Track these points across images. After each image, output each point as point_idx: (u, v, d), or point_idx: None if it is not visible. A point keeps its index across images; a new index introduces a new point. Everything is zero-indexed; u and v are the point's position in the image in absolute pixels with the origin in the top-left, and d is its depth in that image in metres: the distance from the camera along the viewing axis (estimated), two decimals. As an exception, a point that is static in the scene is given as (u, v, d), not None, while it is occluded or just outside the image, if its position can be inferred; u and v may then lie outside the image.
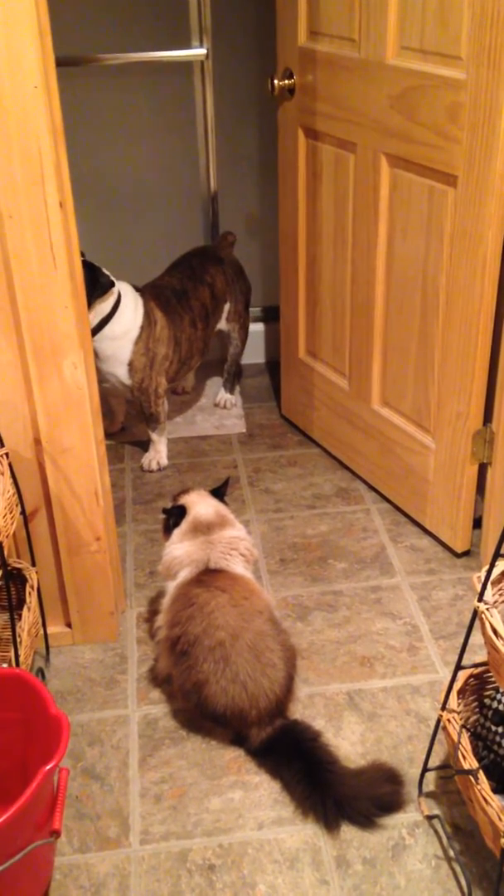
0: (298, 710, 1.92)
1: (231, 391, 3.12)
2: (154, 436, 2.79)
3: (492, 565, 1.42)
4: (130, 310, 2.61)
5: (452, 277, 2.09)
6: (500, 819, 1.41)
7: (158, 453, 2.80)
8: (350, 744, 1.84)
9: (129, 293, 2.64)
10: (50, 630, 2.09)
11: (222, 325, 2.97)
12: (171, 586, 1.94)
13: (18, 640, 1.78)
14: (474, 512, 2.31)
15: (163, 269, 2.91)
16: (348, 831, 1.66)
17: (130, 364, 2.63)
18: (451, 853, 1.62)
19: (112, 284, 2.55)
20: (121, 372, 2.64)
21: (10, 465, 1.79)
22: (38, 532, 1.99)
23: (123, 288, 2.64)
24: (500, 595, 1.56)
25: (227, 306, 2.93)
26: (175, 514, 2.01)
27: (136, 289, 2.69)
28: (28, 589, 1.92)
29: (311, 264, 2.66)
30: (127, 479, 2.77)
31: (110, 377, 2.66)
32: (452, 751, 1.55)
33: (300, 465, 2.79)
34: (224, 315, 2.95)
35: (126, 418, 3.02)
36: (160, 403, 2.74)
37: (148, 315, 2.64)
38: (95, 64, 2.87)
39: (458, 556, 2.36)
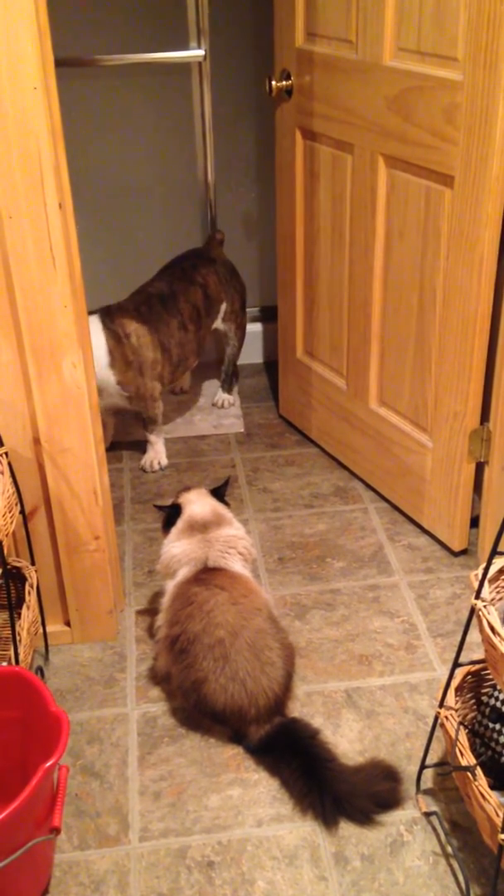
0: (297, 708, 1.93)
1: (229, 391, 3.13)
2: (152, 437, 2.80)
3: (489, 563, 1.43)
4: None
5: (449, 278, 2.10)
6: (498, 815, 1.42)
7: (158, 454, 2.81)
8: (348, 741, 1.84)
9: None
10: (49, 629, 2.09)
11: (219, 324, 2.97)
12: (171, 585, 1.94)
13: (18, 638, 1.79)
14: (471, 510, 2.32)
15: (159, 270, 2.91)
16: (346, 828, 1.67)
17: (120, 384, 2.65)
18: (449, 849, 1.63)
19: None
20: (114, 391, 2.67)
21: (9, 465, 1.80)
22: (38, 531, 1.99)
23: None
24: (498, 592, 1.57)
25: (223, 306, 2.94)
26: (168, 512, 2.02)
27: (105, 309, 2.67)
28: (27, 587, 1.93)
29: (309, 265, 2.67)
30: (126, 478, 2.78)
31: (107, 397, 2.67)
32: (450, 748, 1.56)
33: (298, 465, 2.80)
34: (220, 315, 2.95)
35: (116, 431, 3.01)
36: (156, 407, 2.75)
37: (113, 333, 2.61)
38: (94, 65, 2.87)
39: (455, 554, 2.37)
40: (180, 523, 1.99)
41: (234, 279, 2.97)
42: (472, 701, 1.74)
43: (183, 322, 2.75)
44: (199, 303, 2.81)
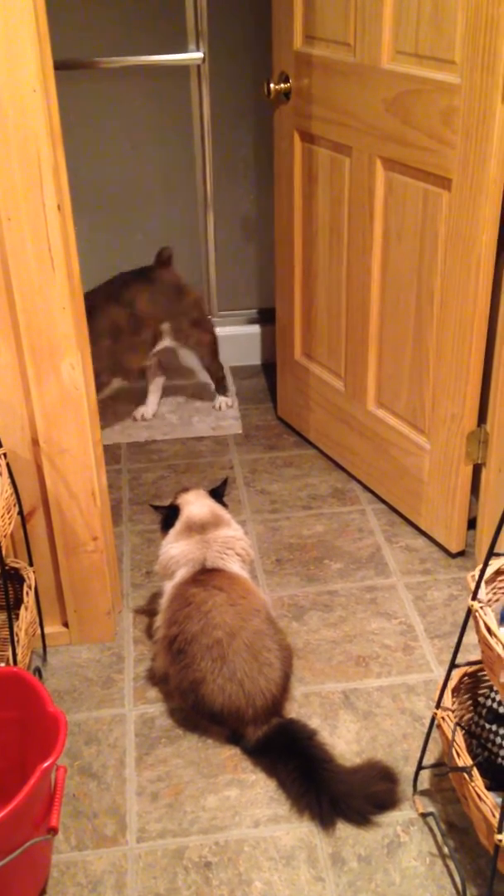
0: (294, 709, 1.93)
1: (224, 393, 3.13)
2: None
3: (485, 564, 1.44)
4: None
5: (447, 280, 2.10)
6: (494, 816, 1.42)
7: None
8: (345, 742, 1.85)
9: None
10: (47, 630, 2.09)
11: (169, 343, 2.94)
12: (169, 586, 1.95)
13: (16, 639, 1.79)
14: (469, 512, 2.33)
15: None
16: (343, 829, 1.67)
17: None
18: (446, 850, 1.63)
19: None
20: None
21: (7, 466, 1.80)
22: (36, 532, 2.00)
23: None
24: (494, 594, 1.58)
25: (164, 326, 2.90)
26: (164, 513, 2.02)
27: None
28: (25, 588, 1.93)
29: (307, 267, 2.67)
30: (124, 479, 2.78)
31: None
32: (447, 748, 1.56)
33: (296, 466, 2.81)
34: (167, 335, 2.92)
35: (115, 431, 3.01)
36: None
37: None
38: (93, 67, 2.88)
39: (452, 556, 2.38)
40: (178, 524, 1.99)
41: (178, 299, 2.91)
42: (469, 702, 1.74)
43: (95, 338, 2.71)
44: (120, 320, 2.78)
